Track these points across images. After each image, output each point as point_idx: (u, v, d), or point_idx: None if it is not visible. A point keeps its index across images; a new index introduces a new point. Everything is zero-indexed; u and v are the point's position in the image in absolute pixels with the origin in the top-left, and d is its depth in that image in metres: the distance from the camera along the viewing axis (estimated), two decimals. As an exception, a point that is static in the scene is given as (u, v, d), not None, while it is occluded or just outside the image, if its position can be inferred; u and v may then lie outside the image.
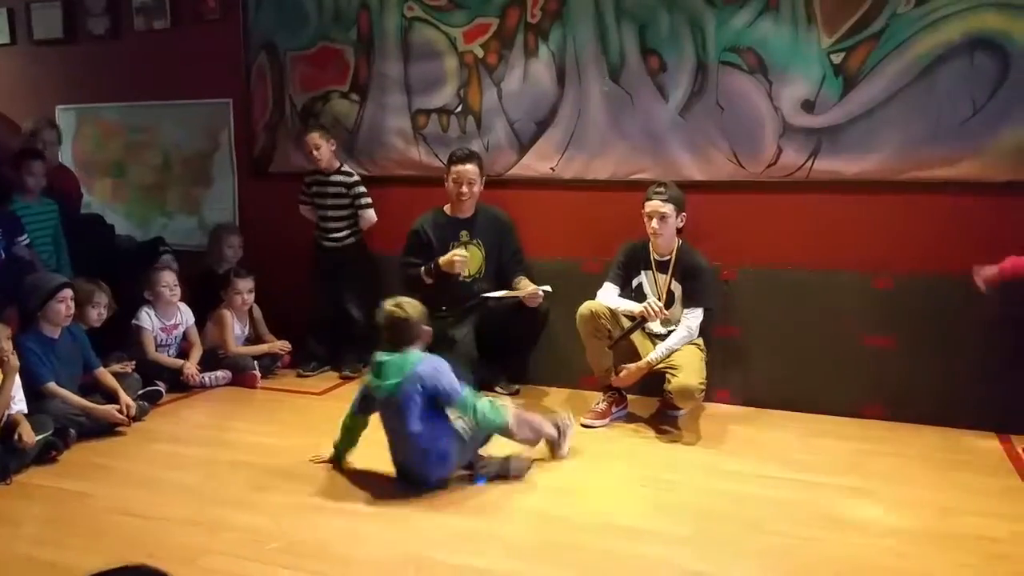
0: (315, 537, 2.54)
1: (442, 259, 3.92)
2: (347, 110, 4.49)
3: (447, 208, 4.05)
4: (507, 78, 4.14)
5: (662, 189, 3.57)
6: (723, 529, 2.60)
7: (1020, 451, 3.28)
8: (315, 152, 4.25)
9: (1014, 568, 2.36)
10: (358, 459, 3.18)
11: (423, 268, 3.97)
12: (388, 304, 2.97)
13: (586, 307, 3.60)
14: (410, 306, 2.97)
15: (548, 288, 3.82)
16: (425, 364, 2.86)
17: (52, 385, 3.37)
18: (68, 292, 3.49)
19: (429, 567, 2.36)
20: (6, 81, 5.32)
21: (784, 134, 3.71)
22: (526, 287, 3.88)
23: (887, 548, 2.47)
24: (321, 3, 4.47)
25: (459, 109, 4.26)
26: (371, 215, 4.33)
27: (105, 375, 3.63)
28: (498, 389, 4.06)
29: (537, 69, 4.08)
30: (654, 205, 3.56)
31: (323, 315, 4.45)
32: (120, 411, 3.49)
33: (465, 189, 3.94)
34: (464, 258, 3.92)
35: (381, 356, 2.92)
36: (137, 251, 4.81)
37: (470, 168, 3.95)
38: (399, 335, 2.92)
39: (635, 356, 3.59)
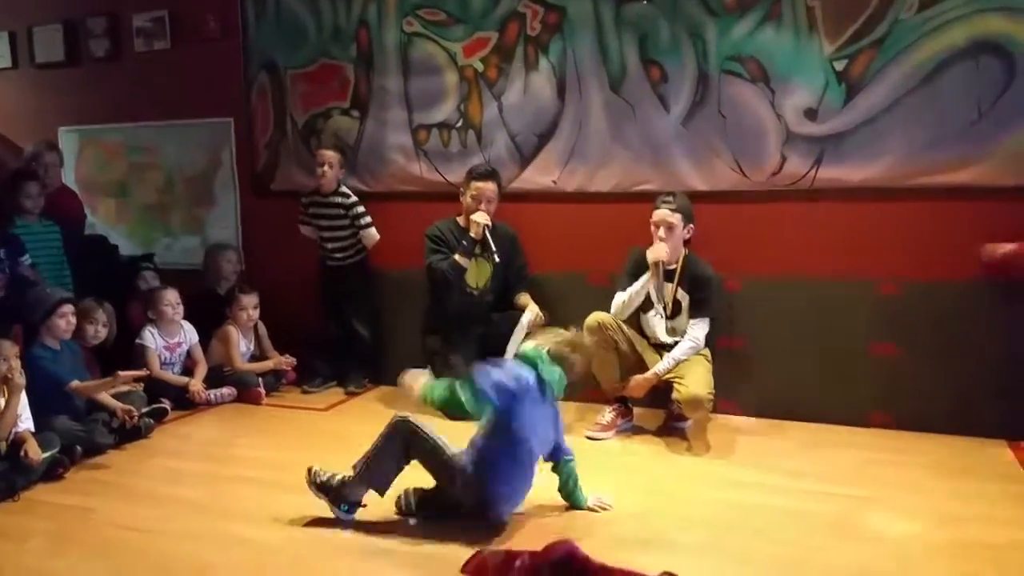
0: (321, 551, 2.52)
1: (472, 229, 3.89)
2: (348, 126, 4.50)
3: (461, 220, 4.04)
4: (507, 92, 4.14)
5: (671, 199, 3.56)
6: (730, 539, 2.58)
7: (1032, 457, 3.25)
8: (326, 168, 4.25)
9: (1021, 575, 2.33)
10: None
11: (458, 251, 3.93)
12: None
13: (592, 319, 3.58)
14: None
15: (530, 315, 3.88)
16: None
17: (76, 383, 3.43)
18: (68, 308, 3.60)
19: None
20: (8, 104, 5.34)
21: (787, 142, 3.71)
22: (526, 303, 3.92)
23: (894, 556, 2.44)
24: (320, 20, 4.49)
25: (460, 124, 4.27)
26: (373, 234, 4.33)
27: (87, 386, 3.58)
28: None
29: (537, 82, 4.09)
30: (662, 214, 3.55)
31: (329, 333, 4.45)
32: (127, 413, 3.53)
33: (483, 207, 3.94)
34: (484, 216, 3.89)
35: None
36: (126, 264, 4.83)
37: (490, 186, 3.94)
38: None
39: (642, 368, 3.57)
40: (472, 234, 3.90)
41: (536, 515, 2.75)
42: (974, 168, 3.46)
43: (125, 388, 3.81)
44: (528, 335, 3.74)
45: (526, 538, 2.53)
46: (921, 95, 3.49)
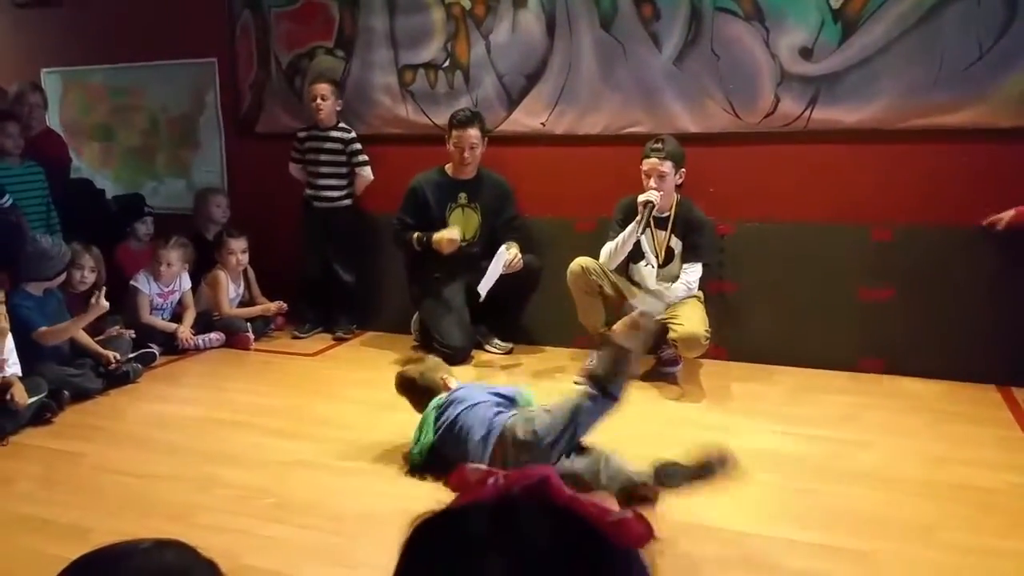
0: (307, 493, 2.54)
1: (435, 235, 3.85)
2: (333, 66, 4.38)
3: (448, 168, 3.97)
4: (495, 30, 4.03)
5: (660, 146, 3.47)
6: (715, 481, 2.58)
7: (1021, 402, 3.25)
8: (320, 102, 4.15)
9: (1008, 518, 2.35)
10: (353, 418, 3.18)
11: (415, 236, 3.90)
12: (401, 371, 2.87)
13: (576, 264, 3.55)
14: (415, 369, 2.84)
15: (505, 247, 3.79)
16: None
17: (44, 329, 3.39)
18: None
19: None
20: (-11, 45, 5.23)
21: (782, 83, 3.62)
22: (508, 249, 3.82)
23: (882, 500, 2.46)
24: (305, -44, 4.35)
25: (447, 64, 4.16)
26: (368, 174, 4.26)
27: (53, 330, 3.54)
28: (490, 348, 4.03)
29: (526, 20, 3.96)
30: (652, 163, 3.47)
31: (315, 277, 4.41)
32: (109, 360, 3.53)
33: (467, 154, 3.86)
34: (454, 241, 3.84)
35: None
36: (116, 208, 4.77)
37: (471, 132, 3.85)
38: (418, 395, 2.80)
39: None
40: (441, 250, 3.84)
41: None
42: (972, 109, 3.38)
43: (113, 333, 3.81)
44: (504, 272, 3.72)
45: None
46: (920, 34, 3.39)
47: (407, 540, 0.67)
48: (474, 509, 0.65)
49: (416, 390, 2.78)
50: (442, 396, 2.69)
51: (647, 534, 0.64)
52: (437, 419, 2.61)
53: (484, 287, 3.74)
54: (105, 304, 3.49)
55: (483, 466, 0.66)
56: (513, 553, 0.61)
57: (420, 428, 2.64)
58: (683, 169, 3.52)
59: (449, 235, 3.83)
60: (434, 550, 0.65)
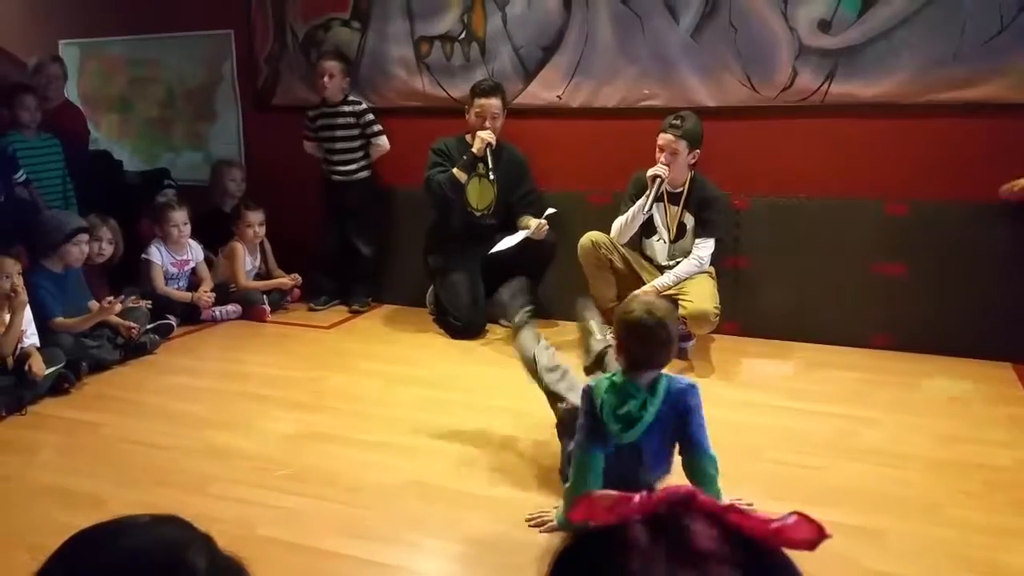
0: (323, 465, 2.58)
1: (475, 145, 3.80)
2: (348, 38, 4.36)
3: (468, 138, 3.94)
4: (512, 1, 3.98)
5: (678, 123, 3.44)
6: (725, 457, 2.58)
7: (1035, 380, 3.24)
8: (326, 79, 4.14)
9: (1016, 495, 2.35)
10: (368, 391, 3.20)
11: (458, 165, 3.84)
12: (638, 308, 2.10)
13: (587, 238, 3.55)
14: (664, 309, 2.14)
15: (552, 210, 3.78)
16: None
17: (60, 319, 3.43)
18: (84, 236, 3.60)
19: (432, 493, 2.39)
20: (6, 17, 5.23)
21: (799, 56, 3.57)
22: (529, 222, 3.82)
23: (887, 476, 2.47)
24: (319, -76, 4.31)
25: (463, 36, 4.12)
26: (384, 142, 4.25)
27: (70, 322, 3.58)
28: (503, 323, 4.04)
29: (543, -10, 3.92)
30: (667, 139, 3.44)
31: (332, 250, 4.43)
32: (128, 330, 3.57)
33: (489, 124, 3.83)
34: (491, 133, 3.79)
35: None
36: (141, 183, 4.80)
37: (494, 102, 3.83)
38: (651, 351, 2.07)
39: (640, 287, 3.54)
40: (475, 150, 3.81)
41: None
42: (993, 83, 3.32)
43: (130, 304, 3.85)
44: (525, 239, 3.71)
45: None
46: (940, 5, 3.33)
47: (551, 572, 0.62)
48: (626, 524, 0.60)
49: (645, 343, 2.05)
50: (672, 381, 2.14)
51: (819, 533, 0.59)
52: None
53: (500, 247, 3.74)
54: (116, 309, 3.52)
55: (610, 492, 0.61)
56: (680, 552, 0.57)
57: (631, 400, 2.04)
58: (698, 151, 3.48)
59: (484, 134, 3.78)
60: (589, 566, 0.61)
